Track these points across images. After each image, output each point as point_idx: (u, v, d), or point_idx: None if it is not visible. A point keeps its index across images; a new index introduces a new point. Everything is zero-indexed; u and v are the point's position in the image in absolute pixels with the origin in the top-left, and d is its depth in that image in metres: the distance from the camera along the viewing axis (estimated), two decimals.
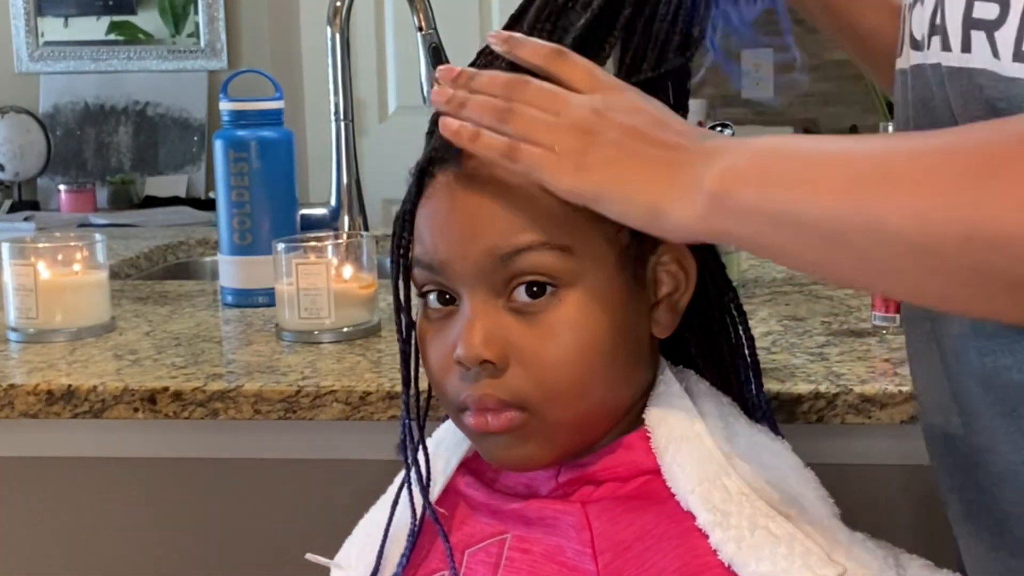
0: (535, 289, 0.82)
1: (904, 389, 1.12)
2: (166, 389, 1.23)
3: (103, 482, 1.36)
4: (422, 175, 0.85)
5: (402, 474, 0.98)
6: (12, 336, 1.45)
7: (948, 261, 0.67)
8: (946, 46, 0.76)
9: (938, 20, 0.77)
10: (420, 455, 0.92)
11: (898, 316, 1.31)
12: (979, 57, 0.73)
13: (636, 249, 0.84)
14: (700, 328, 0.92)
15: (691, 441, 0.84)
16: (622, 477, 0.85)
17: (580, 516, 0.83)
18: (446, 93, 0.83)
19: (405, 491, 0.93)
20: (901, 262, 0.69)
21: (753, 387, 0.93)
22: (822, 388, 1.13)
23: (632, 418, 0.88)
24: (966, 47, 0.74)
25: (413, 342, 0.90)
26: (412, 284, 0.88)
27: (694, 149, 0.77)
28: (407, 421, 0.92)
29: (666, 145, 0.78)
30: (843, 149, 0.73)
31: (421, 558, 0.92)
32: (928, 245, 0.67)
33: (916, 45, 0.81)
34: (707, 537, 0.80)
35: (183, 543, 1.36)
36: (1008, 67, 0.72)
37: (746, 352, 0.93)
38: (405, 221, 0.86)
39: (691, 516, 0.81)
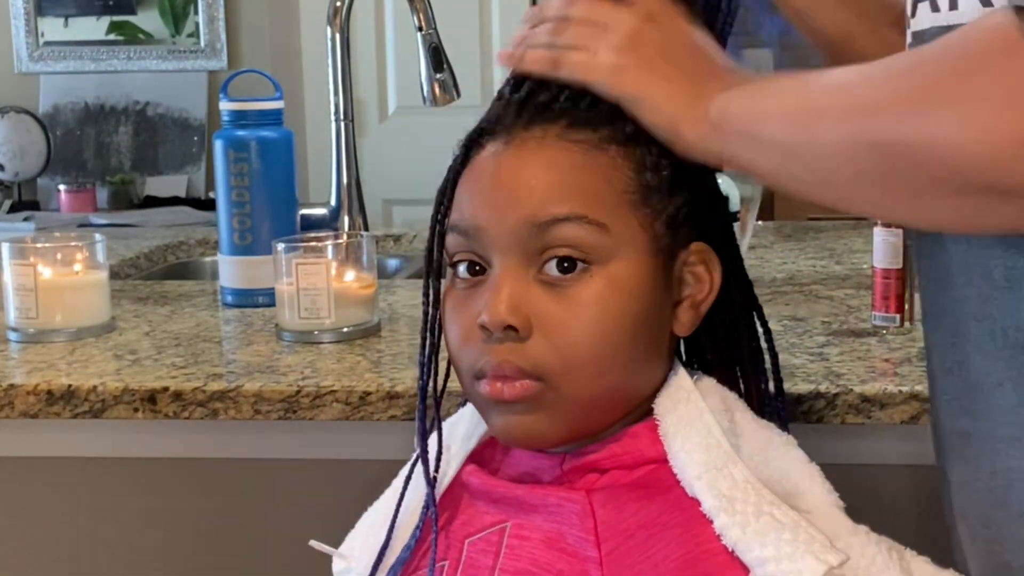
0: (566, 265, 0.84)
1: (904, 389, 1.12)
2: (166, 389, 1.23)
3: (103, 482, 1.36)
4: (469, 145, 0.89)
5: (411, 461, 0.99)
6: (12, 336, 1.45)
7: (871, 175, 0.74)
8: (935, 7, 0.79)
9: None
10: (431, 440, 0.93)
11: (899, 316, 1.31)
12: (969, 11, 0.76)
13: (668, 241, 0.87)
14: (720, 333, 0.94)
15: (699, 430, 0.85)
16: (627, 465, 0.86)
17: (584, 503, 0.83)
18: (516, 39, 0.91)
19: (419, 468, 0.93)
20: (835, 176, 0.77)
21: (772, 392, 0.95)
22: (822, 388, 1.13)
23: (641, 411, 0.89)
24: (953, 5, 0.78)
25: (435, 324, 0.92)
26: (444, 253, 0.90)
27: (717, 77, 0.85)
28: (424, 381, 0.94)
29: (696, 67, 0.85)
30: (821, 77, 0.80)
31: (424, 548, 0.92)
32: (853, 162, 0.75)
33: (907, 22, 0.85)
34: (711, 523, 0.81)
35: (183, 543, 1.36)
36: (972, 13, 0.75)
37: (767, 362, 0.95)
38: (447, 189, 0.89)
39: (695, 504, 0.82)
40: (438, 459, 0.92)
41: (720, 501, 0.81)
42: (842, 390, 1.12)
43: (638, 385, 0.88)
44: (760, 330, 0.95)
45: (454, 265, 0.88)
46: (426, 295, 0.91)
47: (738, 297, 0.93)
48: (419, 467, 0.93)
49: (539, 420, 0.85)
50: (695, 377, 0.90)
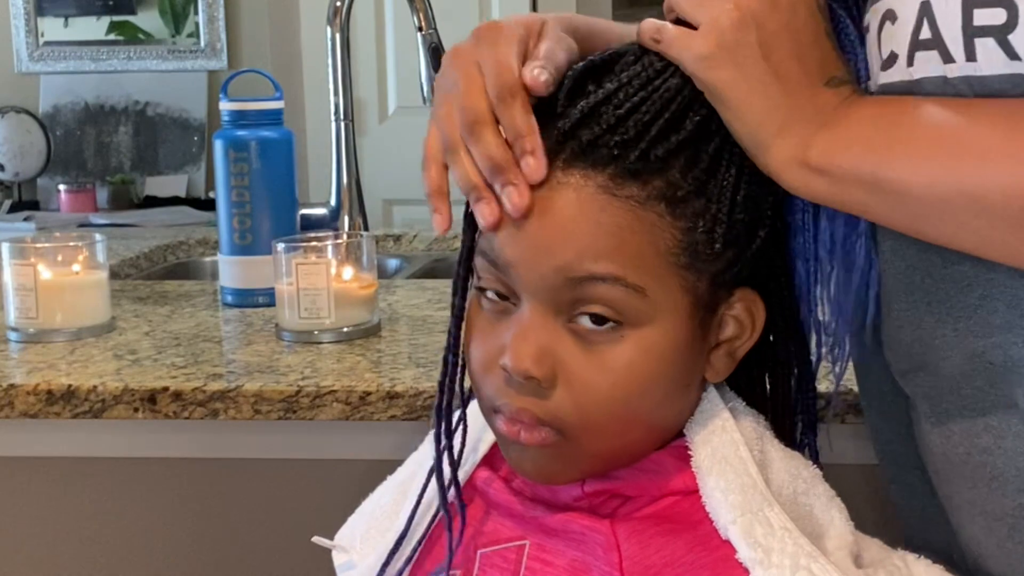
0: (597, 319, 0.78)
1: None
2: (166, 389, 1.23)
3: (103, 482, 1.36)
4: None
5: (419, 452, 0.97)
6: (12, 336, 1.45)
7: None
8: (948, 58, 0.75)
9: (924, 34, 0.76)
10: (453, 437, 0.89)
11: None
12: (991, 64, 0.73)
13: (710, 298, 0.81)
14: (758, 371, 0.89)
15: (735, 467, 0.81)
16: (651, 495, 0.82)
17: (609, 535, 0.80)
18: None
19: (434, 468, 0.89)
20: (1000, 233, 0.72)
21: (803, 432, 0.91)
22: (822, 388, 1.12)
23: (669, 437, 0.85)
24: (970, 56, 0.74)
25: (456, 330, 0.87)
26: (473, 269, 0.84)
27: (815, 98, 0.78)
28: (445, 382, 0.88)
29: (799, 77, 0.78)
30: (943, 120, 0.74)
31: (428, 550, 0.90)
32: (1018, 218, 0.70)
33: (886, 65, 0.80)
34: (746, 572, 0.77)
35: (183, 543, 1.36)
36: None
37: (802, 401, 0.90)
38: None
39: (724, 545, 0.79)
40: (458, 459, 0.89)
41: (756, 552, 0.77)
42: (842, 390, 1.12)
43: (664, 428, 0.84)
44: (798, 368, 0.90)
45: (481, 288, 0.83)
46: (453, 304, 0.86)
47: (779, 332, 0.88)
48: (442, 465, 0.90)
49: (554, 465, 0.82)
50: (729, 403, 0.86)
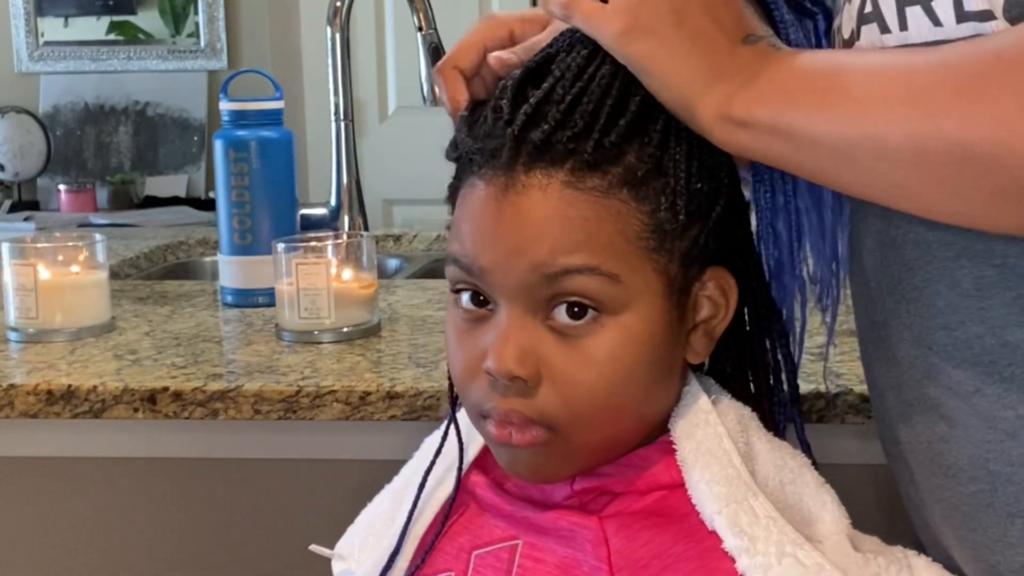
0: (576, 310, 0.79)
1: None
2: (166, 389, 1.23)
3: (103, 482, 1.36)
4: (462, 165, 0.83)
5: (414, 459, 0.98)
6: (12, 336, 1.45)
7: (946, 178, 0.71)
8: (884, 29, 0.77)
9: (867, 8, 0.78)
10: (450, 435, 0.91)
11: None
12: (919, 31, 0.75)
13: (683, 279, 0.82)
14: (737, 352, 0.90)
15: (719, 459, 0.81)
16: (639, 490, 0.83)
17: (597, 531, 0.81)
18: None
19: (435, 473, 0.91)
20: (902, 178, 0.73)
21: (789, 414, 0.91)
22: (822, 388, 1.13)
23: (655, 429, 0.86)
24: (903, 25, 0.76)
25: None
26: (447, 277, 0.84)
27: (734, 56, 0.79)
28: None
29: (711, 42, 0.79)
30: (853, 68, 0.76)
31: (427, 554, 0.91)
32: (926, 163, 0.71)
33: (847, 44, 0.82)
34: (732, 561, 0.78)
35: (183, 543, 1.36)
36: (953, 30, 0.74)
37: (784, 380, 0.91)
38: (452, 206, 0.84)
39: (711, 536, 0.80)
40: (460, 466, 0.90)
41: (742, 540, 0.78)
42: (842, 390, 1.12)
43: (651, 416, 0.84)
44: (779, 343, 0.91)
45: (456, 291, 0.83)
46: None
47: (752, 314, 0.89)
48: (436, 468, 0.92)
49: (547, 463, 0.82)
50: (713, 395, 0.87)
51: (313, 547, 0.99)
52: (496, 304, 0.81)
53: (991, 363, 0.77)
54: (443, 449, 0.93)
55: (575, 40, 0.83)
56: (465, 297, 0.82)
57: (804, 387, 1.13)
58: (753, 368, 0.91)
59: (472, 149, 0.82)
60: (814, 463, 0.87)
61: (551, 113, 0.79)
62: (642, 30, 0.79)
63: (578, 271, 0.78)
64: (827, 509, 0.83)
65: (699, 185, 0.82)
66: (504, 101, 0.81)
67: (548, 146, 0.78)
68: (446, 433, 0.93)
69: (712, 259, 0.84)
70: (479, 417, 0.83)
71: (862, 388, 1.12)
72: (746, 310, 0.89)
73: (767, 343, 0.90)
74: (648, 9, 0.79)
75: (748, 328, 0.89)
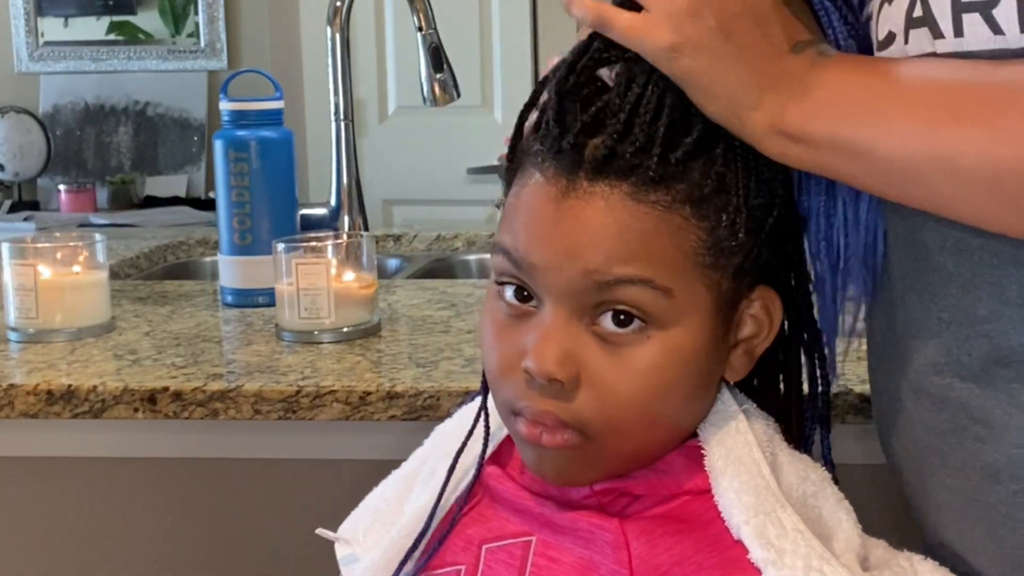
0: (623, 318, 0.78)
1: None
2: (166, 389, 1.23)
3: (103, 482, 1.36)
4: (527, 154, 0.82)
5: (423, 448, 0.98)
6: (12, 336, 1.45)
7: (1011, 195, 0.71)
8: (937, 34, 0.76)
9: (917, 11, 0.77)
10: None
11: None
12: (976, 39, 0.74)
13: (732, 294, 0.81)
14: (773, 366, 0.90)
15: (749, 468, 0.81)
16: (662, 494, 0.82)
17: (618, 534, 0.80)
18: None
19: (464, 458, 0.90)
20: (975, 198, 0.73)
21: (816, 433, 0.91)
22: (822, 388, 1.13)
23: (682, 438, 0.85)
24: (958, 31, 0.74)
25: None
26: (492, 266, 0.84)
27: (782, 66, 0.78)
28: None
29: (759, 53, 0.78)
30: (916, 82, 0.75)
31: (434, 547, 0.90)
32: (999, 185, 0.70)
33: (883, 45, 0.80)
34: (756, 572, 0.77)
35: (183, 543, 1.36)
36: (1016, 39, 0.72)
37: (817, 397, 0.90)
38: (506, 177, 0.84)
39: (736, 546, 0.79)
40: (482, 455, 0.89)
41: (768, 552, 0.77)
42: (842, 390, 1.12)
43: (684, 428, 0.84)
44: (818, 365, 0.90)
45: (500, 284, 0.82)
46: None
47: (795, 324, 0.88)
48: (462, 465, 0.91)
49: (573, 466, 0.81)
50: (742, 405, 0.86)
51: (320, 531, 0.98)
52: (541, 303, 0.80)
53: None
54: (467, 445, 0.91)
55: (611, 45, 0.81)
56: (509, 291, 0.81)
57: (805, 387, 1.13)
58: (787, 384, 0.90)
59: (534, 140, 0.81)
60: (835, 480, 0.87)
61: (611, 126, 0.78)
62: (691, 46, 0.78)
63: (631, 281, 0.77)
64: (841, 527, 0.83)
65: (757, 201, 0.81)
66: (564, 104, 0.80)
67: (612, 158, 0.78)
68: (476, 421, 0.91)
69: (761, 276, 0.83)
70: (510, 414, 0.82)
71: (862, 388, 1.12)
72: (786, 326, 0.88)
73: (804, 360, 0.90)
74: (696, 24, 0.77)
75: (788, 344, 0.89)
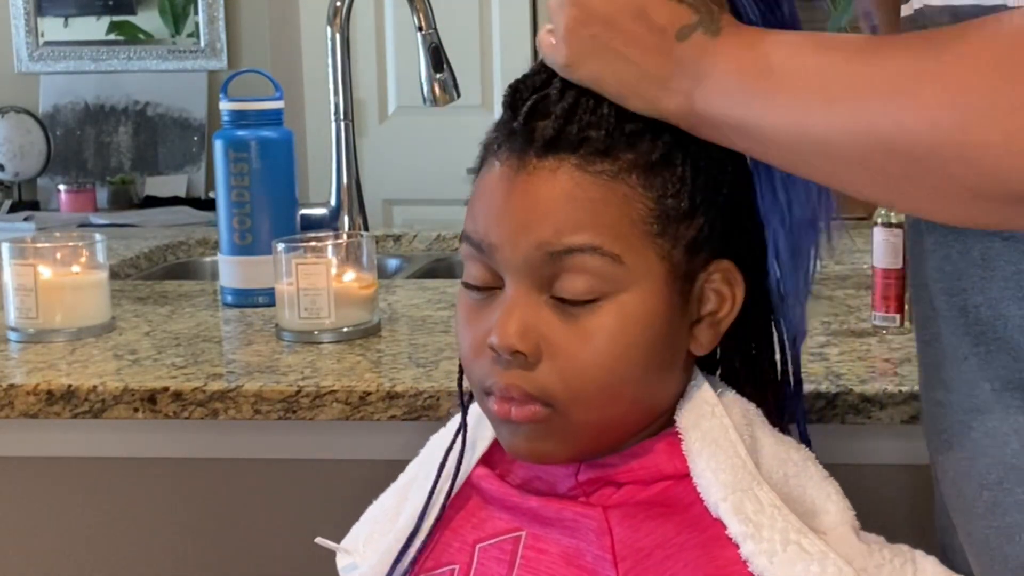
0: (576, 287, 0.81)
1: (904, 389, 1.12)
2: (166, 389, 1.23)
3: (103, 482, 1.36)
4: (486, 151, 0.86)
5: (419, 456, 0.99)
6: (12, 336, 1.45)
7: (891, 177, 0.71)
8: None
9: None
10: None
11: (899, 316, 1.31)
12: None
13: (688, 265, 0.84)
14: (743, 345, 0.92)
15: (725, 448, 0.83)
16: (643, 481, 0.84)
17: (601, 520, 0.82)
18: None
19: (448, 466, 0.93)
20: (848, 174, 0.74)
21: (794, 409, 0.92)
22: (822, 388, 1.13)
23: (659, 423, 0.87)
24: None
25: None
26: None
27: (673, 55, 0.80)
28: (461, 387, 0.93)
29: (646, 47, 0.80)
30: (794, 63, 0.76)
31: (430, 549, 0.91)
32: (867, 160, 0.72)
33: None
34: (736, 547, 0.79)
35: (183, 543, 1.36)
36: None
37: (790, 373, 0.92)
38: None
39: (715, 525, 0.80)
40: (461, 453, 0.92)
41: (746, 527, 0.79)
42: (842, 390, 1.12)
43: (652, 404, 0.86)
44: (786, 337, 0.92)
45: (466, 284, 0.87)
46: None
47: (757, 309, 0.90)
48: (448, 465, 0.93)
49: (547, 441, 0.84)
50: (718, 390, 0.88)
51: (319, 540, 0.99)
52: (503, 282, 0.83)
53: None
54: (454, 445, 0.93)
55: None
56: (474, 272, 0.85)
57: (804, 387, 1.13)
58: (759, 361, 0.92)
59: (492, 133, 0.85)
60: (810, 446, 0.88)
61: (560, 105, 0.82)
62: (581, 57, 0.82)
63: (581, 250, 0.80)
64: (831, 501, 0.85)
65: (706, 175, 0.84)
66: (517, 93, 0.85)
67: (560, 135, 0.81)
68: (460, 427, 0.94)
69: (720, 251, 0.85)
70: (483, 394, 0.85)
71: (862, 388, 1.12)
72: (752, 306, 0.89)
73: (772, 335, 0.92)
74: (580, 35, 0.81)
75: (752, 319, 0.90)
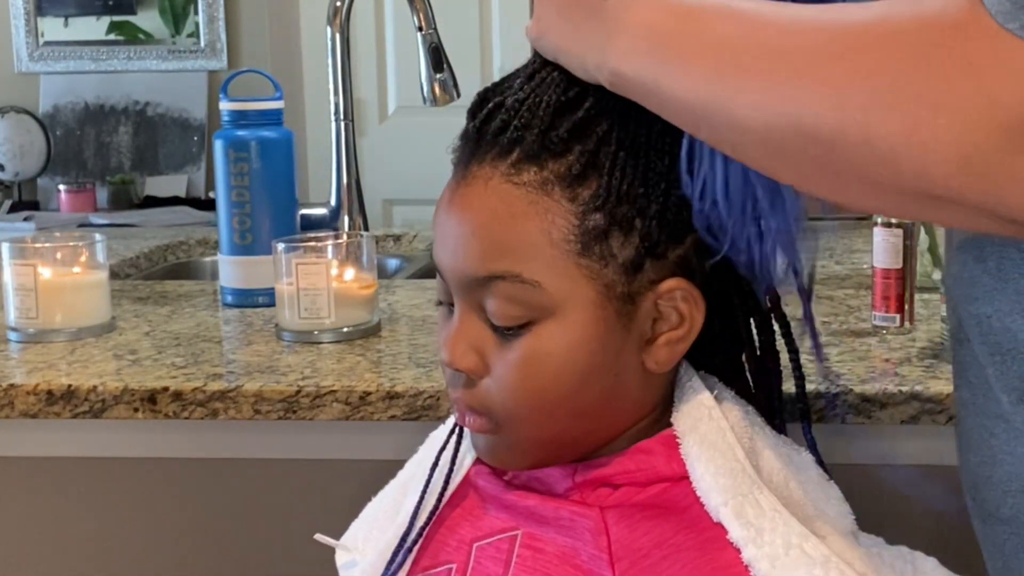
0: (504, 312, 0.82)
1: (904, 389, 1.12)
2: (166, 389, 1.23)
3: (103, 482, 1.36)
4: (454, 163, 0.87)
5: (418, 454, 1.00)
6: (12, 336, 1.45)
7: (792, 157, 0.69)
8: None
9: None
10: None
11: (899, 316, 1.31)
12: None
13: (626, 286, 0.82)
14: (730, 354, 0.91)
15: (723, 452, 0.82)
16: (640, 483, 0.84)
17: (598, 520, 0.82)
18: None
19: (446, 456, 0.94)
20: (751, 149, 0.72)
21: (783, 411, 0.91)
22: (822, 388, 1.13)
23: (650, 423, 0.87)
24: None
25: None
26: None
27: (602, 12, 0.79)
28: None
29: (580, 9, 0.80)
30: (715, 27, 0.73)
31: (428, 547, 0.91)
32: (769, 136, 0.69)
33: None
34: (736, 551, 0.79)
35: (183, 543, 1.36)
36: None
37: (780, 375, 0.91)
38: None
39: (713, 527, 0.80)
40: (455, 453, 0.93)
41: (748, 531, 0.79)
42: (842, 390, 1.12)
43: (613, 415, 0.85)
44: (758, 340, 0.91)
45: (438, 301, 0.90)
46: None
47: (740, 308, 0.89)
48: (443, 463, 0.94)
49: (500, 450, 0.86)
50: (715, 391, 0.87)
51: (318, 536, 0.99)
52: (454, 300, 0.86)
53: None
54: (448, 444, 0.94)
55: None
56: (440, 287, 0.87)
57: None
58: (751, 372, 0.92)
59: (456, 141, 0.87)
60: (820, 461, 0.88)
61: (504, 108, 0.83)
62: (543, 30, 0.84)
63: (501, 277, 0.81)
64: (831, 505, 0.84)
65: (634, 189, 0.81)
66: (469, 111, 0.86)
67: (500, 135, 0.82)
68: (454, 427, 0.94)
69: (672, 269, 0.83)
70: (452, 404, 0.88)
71: (862, 388, 1.12)
72: (739, 319, 0.89)
73: (762, 343, 0.91)
74: (545, 12, 0.84)
75: (740, 333, 0.90)
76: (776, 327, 0.91)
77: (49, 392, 1.24)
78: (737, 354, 0.92)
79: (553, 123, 0.81)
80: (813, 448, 0.90)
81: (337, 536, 1.01)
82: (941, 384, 1.12)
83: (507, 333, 0.82)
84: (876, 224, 1.31)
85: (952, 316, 0.83)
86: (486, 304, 0.82)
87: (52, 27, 3.84)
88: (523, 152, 0.81)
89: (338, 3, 1.85)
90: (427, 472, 0.94)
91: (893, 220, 1.30)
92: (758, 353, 0.91)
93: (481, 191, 0.82)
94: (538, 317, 0.81)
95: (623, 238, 0.81)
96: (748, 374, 0.92)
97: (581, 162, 0.81)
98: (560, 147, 0.81)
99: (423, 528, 0.92)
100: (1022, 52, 0.60)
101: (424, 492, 0.93)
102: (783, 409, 0.92)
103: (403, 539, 0.92)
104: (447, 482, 0.92)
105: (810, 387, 1.12)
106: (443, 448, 0.94)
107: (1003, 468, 0.78)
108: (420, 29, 1.84)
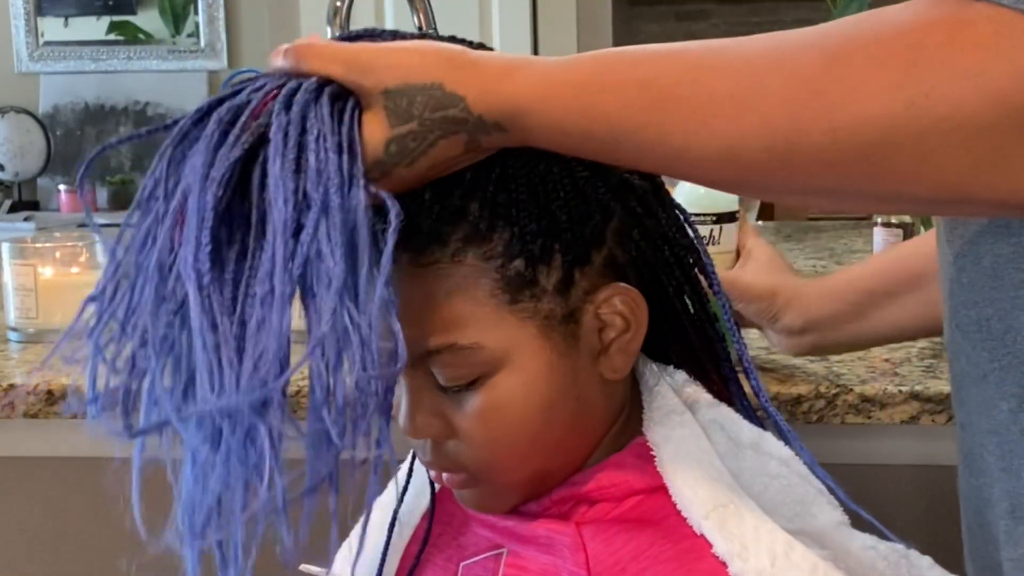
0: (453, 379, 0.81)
1: (904, 389, 1.12)
2: None
3: (103, 482, 1.36)
4: None
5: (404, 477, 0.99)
6: (12, 336, 1.45)
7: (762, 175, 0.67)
8: None
9: None
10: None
11: None
12: None
13: (563, 307, 0.80)
14: (684, 348, 0.90)
15: (701, 462, 0.81)
16: (615, 497, 0.83)
17: (575, 536, 0.82)
18: None
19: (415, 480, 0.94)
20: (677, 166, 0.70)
21: (750, 396, 0.90)
22: (822, 388, 1.13)
23: (620, 427, 0.86)
24: None
25: None
26: None
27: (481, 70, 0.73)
28: None
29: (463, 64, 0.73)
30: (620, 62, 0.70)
31: (416, 568, 0.92)
32: (736, 159, 0.66)
33: None
34: (715, 560, 0.77)
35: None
36: None
37: (740, 369, 0.89)
38: None
39: (689, 537, 0.79)
40: (433, 488, 0.93)
41: (732, 545, 0.78)
42: (842, 390, 1.12)
43: (579, 445, 0.84)
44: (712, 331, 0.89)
45: None
46: None
47: (670, 283, 0.87)
48: (415, 478, 0.94)
49: (484, 498, 0.85)
50: (682, 388, 0.86)
51: (304, 567, 0.99)
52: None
53: None
54: (415, 467, 0.94)
55: None
56: None
57: (804, 387, 1.13)
58: (695, 340, 0.89)
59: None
60: (784, 437, 0.86)
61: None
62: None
63: (438, 351, 0.79)
64: (816, 502, 0.83)
65: (540, 223, 0.79)
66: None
67: (404, 231, 0.75)
68: (411, 469, 0.94)
69: (604, 275, 0.82)
70: None
71: (862, 388, 1.12)
72: (686, 318, 0.88)
73: (697, 310, 0.88)
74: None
75: (674, 304, 0.88)
76: (704, 284, 0.88)
77: (49, 392, 1.24)
78: (682, 331, 0.89)
79: (441, 201, 0.77)
80: (785, 437, 0.88)
81: (337, 536, 1.01)
82: (941, 384, 1.12)
83: (460, 395, 0.80)
84: (876, 224, 1.31)
85: (947, 334, 0.82)
86: (433, 372, 0.80)
87: (52, 27, 3.84)
88: (420, 236, 0.77)
89: (338, 3, 1.85)
90: (393, 509, 0.94)
91: (893, 220, 1.30)
92: (697, 322, 0.89)
93: (401, 280, 0.78)
94: (487, 373, 0.79)
95: (547, 268, 0.79)
96: (696, 350, 0.90)
97: (485, 216, 0.78)
98: (458, 213, 0.77)
99: (419, 552, 0.92)
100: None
101: (398, 507, 0.94)
102: (736, 376, 0.90)
103: (385, 551, 0.93)
104: (432, 507, 0.92)
105: (810, 387, 1.13)
106: (413, 459, 0.94)
107: (999, 487, 0.77)
108: (420, 29, 1.84)
